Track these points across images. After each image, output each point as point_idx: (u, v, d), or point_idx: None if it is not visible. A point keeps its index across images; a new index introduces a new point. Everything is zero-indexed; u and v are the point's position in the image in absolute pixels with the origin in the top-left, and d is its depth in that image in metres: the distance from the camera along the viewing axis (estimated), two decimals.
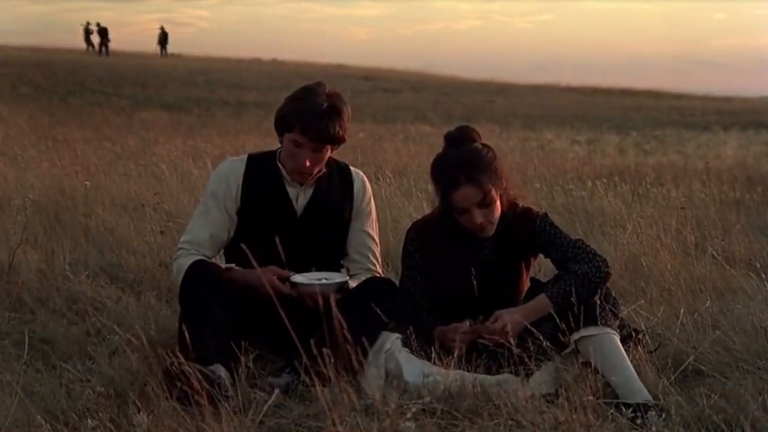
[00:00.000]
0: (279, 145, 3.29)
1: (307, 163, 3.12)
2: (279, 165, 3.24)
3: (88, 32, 41.32)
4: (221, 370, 2.73)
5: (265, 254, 2.67)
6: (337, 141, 3.15)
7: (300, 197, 3.24)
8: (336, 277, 3.12)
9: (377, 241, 3.42)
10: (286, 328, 2.51)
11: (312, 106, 3.06)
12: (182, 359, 2.52)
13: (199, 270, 3.02)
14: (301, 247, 3.15)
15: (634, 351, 2.94)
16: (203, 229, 3.21)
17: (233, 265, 3.13)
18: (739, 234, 5.01)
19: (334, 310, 2.27)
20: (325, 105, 3.07)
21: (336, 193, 3.29)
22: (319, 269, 3.18)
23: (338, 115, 3.09)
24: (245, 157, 3.31)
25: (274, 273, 3.01)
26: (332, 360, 2.36)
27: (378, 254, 3.42)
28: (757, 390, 2.75)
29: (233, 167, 3.27)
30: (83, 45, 41.21)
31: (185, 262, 3.11)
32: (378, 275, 3.36)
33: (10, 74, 23.92)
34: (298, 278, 3.06)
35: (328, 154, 3.20)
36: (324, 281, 3.06)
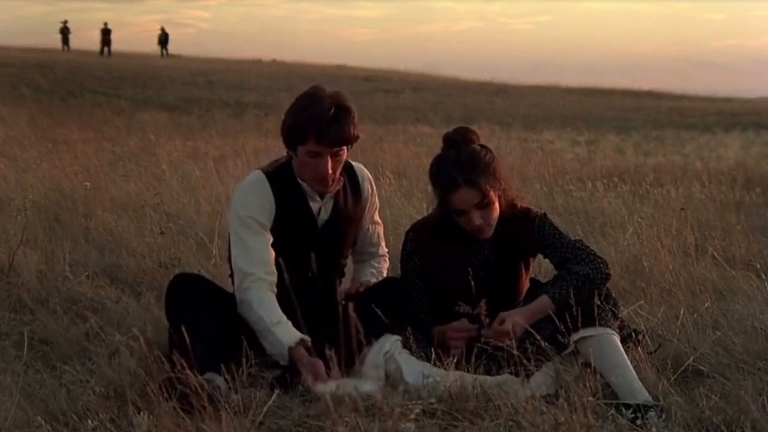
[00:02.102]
0: (279, 155, 3.27)
1: (329, 170, 3.05)
2: (299, 181, 3.15)
3: (65, 32, 40.88)
4: (217, 379, 2.72)
5: (288, 269, 2.65)
6: (353, 141, 3.08)
7: (321, 212, 3.19)
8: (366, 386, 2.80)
9: (380, 221, 3.47)
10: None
11: (320, 113, 2.97)
12: (178, 366, 2.53)
13: (182, 284, 3.01)
14: (319, 257, 3.08)
15: (634, 351, 2.94)
16: (264, 249, 3.05)
17: (308, 339, 2.93)
18: (739, 235, 5.01)
19: (353, 317, 2.26)
20: (333, 109, 2.99)
21: (351, 200, 3.26)
22: (324, 270, 3.17)
23: (348, 114, 3.02)
24: (263, 176, 3.14)
25: (315, 371, 2.81)
26: (335, 361, 2.37)
27: (382, 234, 3.48)
28: (757, 391, 2.75)
29: (262, 189, 3.11)
30: (83, 46, 41.08)
31: (256, 297, 2.99)
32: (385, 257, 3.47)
33: (10, 75, 23.87)
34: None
35: (346, 154, 3.13)
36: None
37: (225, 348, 2.83)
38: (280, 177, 3.15)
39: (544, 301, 2.93)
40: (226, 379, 2.71)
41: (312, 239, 3.16)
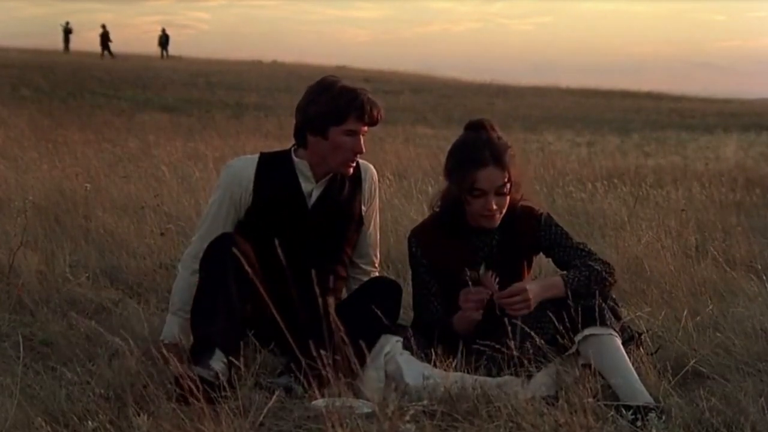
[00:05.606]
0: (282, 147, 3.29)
1: (363, 148, 3.18)
2: (295, 160, 3.22)
3: (67, 32, 40.93)
4: (219, 363, 2.75)
5: (272, 249, 2.65)
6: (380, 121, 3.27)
7: (314, 193, 3.23)
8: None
9: (377, 230, 3.44)
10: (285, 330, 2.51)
11: (357, 94, 3.12)
12: (178, 363, 2.54)
13: (223, 245, 3.01)
14: (309, 242, 3.18)
15: (635, 353, 2.94)
16: (219, 231, 3.17)
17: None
18: (740, 236, 5.01)
19: (332, 314, 2.27)
20: (366, 91, 3.17)
21: (348, 187, 3.28)
22: (320, 263, 3.18)
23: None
24: (257, 154, 3.31)
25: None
26: (330, 363, 2.37)
27: (378, 243, 3.44)
28: (758, 392, 2.75)
29: (245, 164, 3.26)
30: (83, 47, 41.07)
31: (185, 275, 3.22)
32: (378, 273, 3.40)
33: (10, 76, 23.89)
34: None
35: None
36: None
37: (242, 326, 2.91)
38: (274, 156, 3.28)
39: (557, 279, 2.95)
40: (236, 355, 2.70)
41: (302, 221, 3.18)
